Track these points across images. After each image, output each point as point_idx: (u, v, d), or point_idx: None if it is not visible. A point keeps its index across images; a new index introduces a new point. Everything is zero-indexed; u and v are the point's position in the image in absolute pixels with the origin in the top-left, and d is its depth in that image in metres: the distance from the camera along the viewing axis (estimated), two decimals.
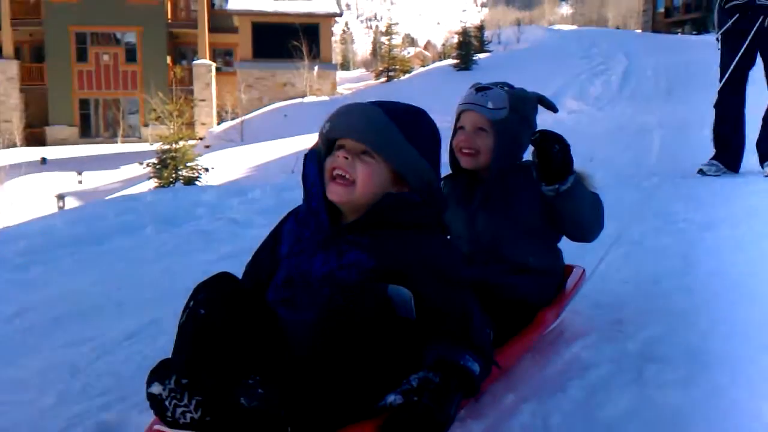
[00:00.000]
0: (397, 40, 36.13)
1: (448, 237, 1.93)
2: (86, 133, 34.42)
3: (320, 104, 24.92)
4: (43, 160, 26.34)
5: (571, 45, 26.74)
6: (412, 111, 1.88)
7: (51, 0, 33.36)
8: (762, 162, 5.65)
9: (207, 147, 23.56)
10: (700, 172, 5.72)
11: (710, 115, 5.96)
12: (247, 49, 32.21)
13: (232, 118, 28.80)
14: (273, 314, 1.75)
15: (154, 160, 16.18)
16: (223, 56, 36.30)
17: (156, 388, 1.50)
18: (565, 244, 2.49)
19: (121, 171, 22.34)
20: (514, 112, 2.40)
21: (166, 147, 15.97)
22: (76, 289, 3.65)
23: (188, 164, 15.89)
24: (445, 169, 2.08)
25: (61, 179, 21.84)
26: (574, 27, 43.10)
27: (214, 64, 33.98)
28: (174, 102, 17.26)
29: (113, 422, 2.02)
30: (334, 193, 1.79)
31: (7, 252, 4.47)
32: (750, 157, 5.79)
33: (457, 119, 2.46)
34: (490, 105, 2.38)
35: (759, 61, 5.69)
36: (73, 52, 34.06)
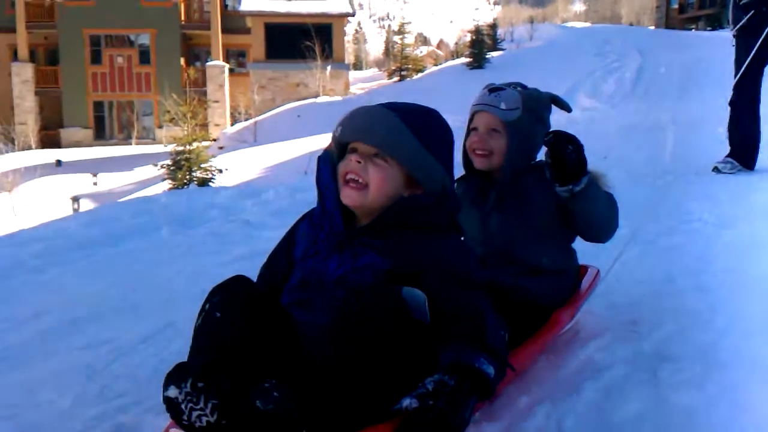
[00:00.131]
0: (409, 39, 36.08)
1: (462, 238, 1.93)
2: (101, 135, 34.57)
3: (333, 104, 24.95)
4: (58, 163, 26.48)
5: (585, 42, 26.66)
6: (423, 112, 1.88)
7: (65, 3, 33.52)
8: None
9: (221, 148, 23.65)
10: (715, 169, 5.68)
11: (725, 112, 5.91)
12: (260, 49, 32.28)
13: (246, 119, 28.87)
14: (288, 317, 1.76)
15: (168, 162, 16.26)
16: (237, 57, 36.36)
17: (172, 392, 1.51)
18: (580, 244, 2.48)
19: (136, 173, 22.41)
20: (527, 113, 2.39)
21: (180, 148, 16.04)
22: (92, 292, 3.67)
23: (202, 165, 15.96)
24: (458, 169, 2.08)
25: (76, 181, 21.94)
26: (588, 24, 43.01)
27: (227, 65, 34.05)
28: (188, 103, 17.32)
29: (130, 425, 2.03)
30: (348, 197, 1.80)
31: (24, 254, 4.50)
32: (766, 154, 5.75)
33: (471, 120, 2.45)
34: (503, 106, 2.37)
35: None
36: (87, 54, 34.21)
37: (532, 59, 24.40)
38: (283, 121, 25.42)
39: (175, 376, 1.52)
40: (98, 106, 34.75)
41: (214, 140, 26.10)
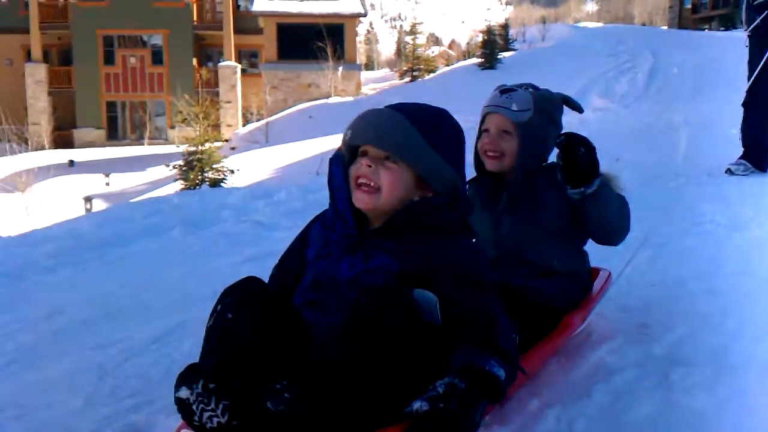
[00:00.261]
0: (421, 39, 36.03)
1: (474, 240, 1.93)
2: (113, 135, 34.70)
3: (345, 105, 24.97)
4: (71, 163, 26.58)
5: (597, 42, 26.57)
6: (433, 113, 1.88)
7: (78, 4, 33.67)
8: None
9: (233, 149, 23.69)
10: (728, 171, 5.66)
11: (738, 113, 5.89)
12: (272, 50, 32.32)
13: (258, 120, 28.92)
14: (299, 318, 1.76)
15: (181, 162, 16.28)
16: (249, 58, 36.42)
17: (184, 393, 1.52)
18: (591, 247, 2.48)
19: (148, 173, 22.48)
20: (538, 114, 2.38)
21: (193, 149, 16.07)
22: (104, 292, 3.69)
23: (214, 166, 15.98)
24: (470, 170, 2.07)
25: (89, 181, 22.02)
26: (600, 24, 42.84)
27: (239, 66, 34.12)
28: (200, 104, 17.35)
29: (141, 425, 2.04)
30: (360, 200, 1.80)
31: (36, 254, 4.53)
32: None
33: (482, 122, 2.45)
34: (514, 107, 2.37)
35: None
36: (100, 55, 34.34)
37: (544, 60, 24.34)
38: (295, 122, 25.45)
39: (186, 377, 1.53)
40: (111, 106, 34.88)
41: (226, 141, 26.15)
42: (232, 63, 33.86)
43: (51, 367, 2.62)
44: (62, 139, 33.30)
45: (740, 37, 6.08)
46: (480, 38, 31.58)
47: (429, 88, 24.67)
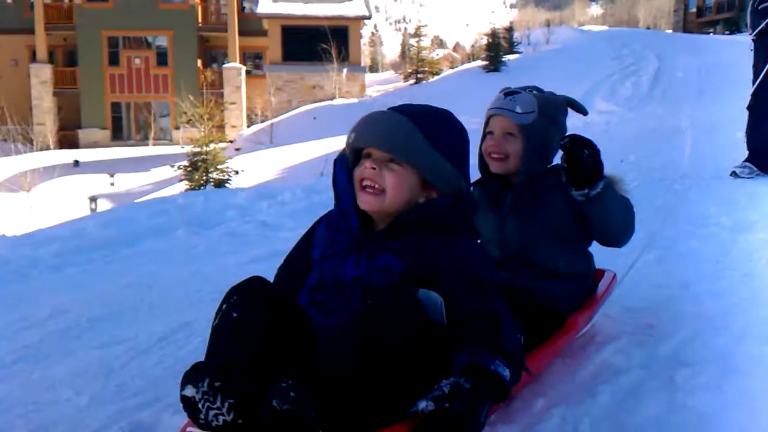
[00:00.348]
0: (425, 41, 36.07)
1: (479, 241, 1.93)
2: (118, 135, 34.73)
3: (349, 107, 24.99)
4: (76, 163, 26.62)
5: (602, 46, 26.57)
6: (437, 114, 1.88)
7: (84, 5, 33.72)
8: None
9: (237, 150, 23.74)
10: (733, 174, 5.65)
11: (743, 116, 5.89)
12: (276, 52, 32.34)
13: (262, 121, 28.94)
14: (304, 317, 1.77)
15: (185, 163, 16.32)
16: (253, 59, 36.44)
17: (189, 391, 1.52)
18: (597, 248, 2.48)
19: (153, 173, 22.51)
20: (543, 116, 2.38)
21: (197, 150, 16.10)
22: (109, 291, 3.70)
23: (219, 167, 16.02)
24: (474, 171, 2.08)
25: (94, 181, 22.06)
26: (605, 27, 42.76)
27: (244, 68, 34.13)
28: (204, 105, 17.39)
29: (147, 423, 2.05)
30: (366, 202, 1.80)
31: (42, 254, 4.54)
32: None
33: (486, 124, 2.45)
34: (518, 109, 2.37)
35: None
36: (105, 55, 34.38)
37: (549, 62, 24.34)
38: (299, 123, 25.49)
39: (192, 376, 1.53)
40: (116, 107, 34.92)
41: (231, 142, 26.19)
42: (237, 64, 33.87)
43: (57, 365, 2.63)
44: (67, 140, 33.34)
45: (745, 40, 6.09)
46: (484, 41, 31.61)
47: (433, 90, 24.67)
